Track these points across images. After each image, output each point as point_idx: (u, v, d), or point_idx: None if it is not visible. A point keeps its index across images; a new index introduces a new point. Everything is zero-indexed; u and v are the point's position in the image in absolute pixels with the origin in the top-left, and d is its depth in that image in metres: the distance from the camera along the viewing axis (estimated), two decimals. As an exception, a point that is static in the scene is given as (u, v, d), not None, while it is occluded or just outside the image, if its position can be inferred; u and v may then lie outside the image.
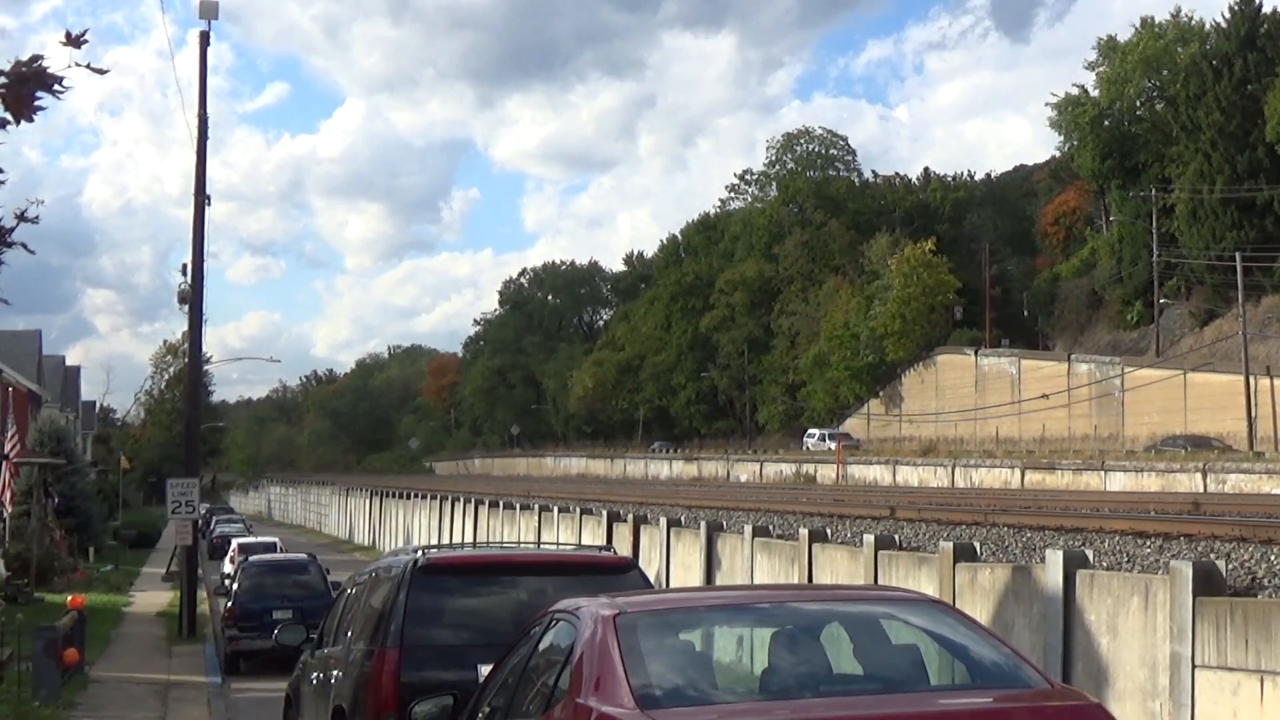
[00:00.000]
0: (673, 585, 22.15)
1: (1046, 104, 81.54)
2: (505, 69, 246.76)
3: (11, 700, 15.95)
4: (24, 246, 8.82)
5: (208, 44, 28.68)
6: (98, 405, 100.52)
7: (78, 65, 7.51)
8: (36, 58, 7.49)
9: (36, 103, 7.55)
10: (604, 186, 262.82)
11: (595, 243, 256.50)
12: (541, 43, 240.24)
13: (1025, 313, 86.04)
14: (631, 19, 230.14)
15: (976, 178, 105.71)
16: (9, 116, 7.61)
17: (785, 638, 5.77)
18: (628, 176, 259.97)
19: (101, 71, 7.75)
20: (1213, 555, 12.22)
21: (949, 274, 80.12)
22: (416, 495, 56.66)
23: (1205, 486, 40.42)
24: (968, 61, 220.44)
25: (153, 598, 35.36)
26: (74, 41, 7.53)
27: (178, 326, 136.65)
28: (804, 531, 18.41)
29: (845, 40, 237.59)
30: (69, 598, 22.93)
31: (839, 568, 17.15)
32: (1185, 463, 44.26)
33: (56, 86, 7.55)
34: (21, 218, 8.58)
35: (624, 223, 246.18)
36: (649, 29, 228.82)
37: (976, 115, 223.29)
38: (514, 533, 35.65)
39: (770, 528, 21.09)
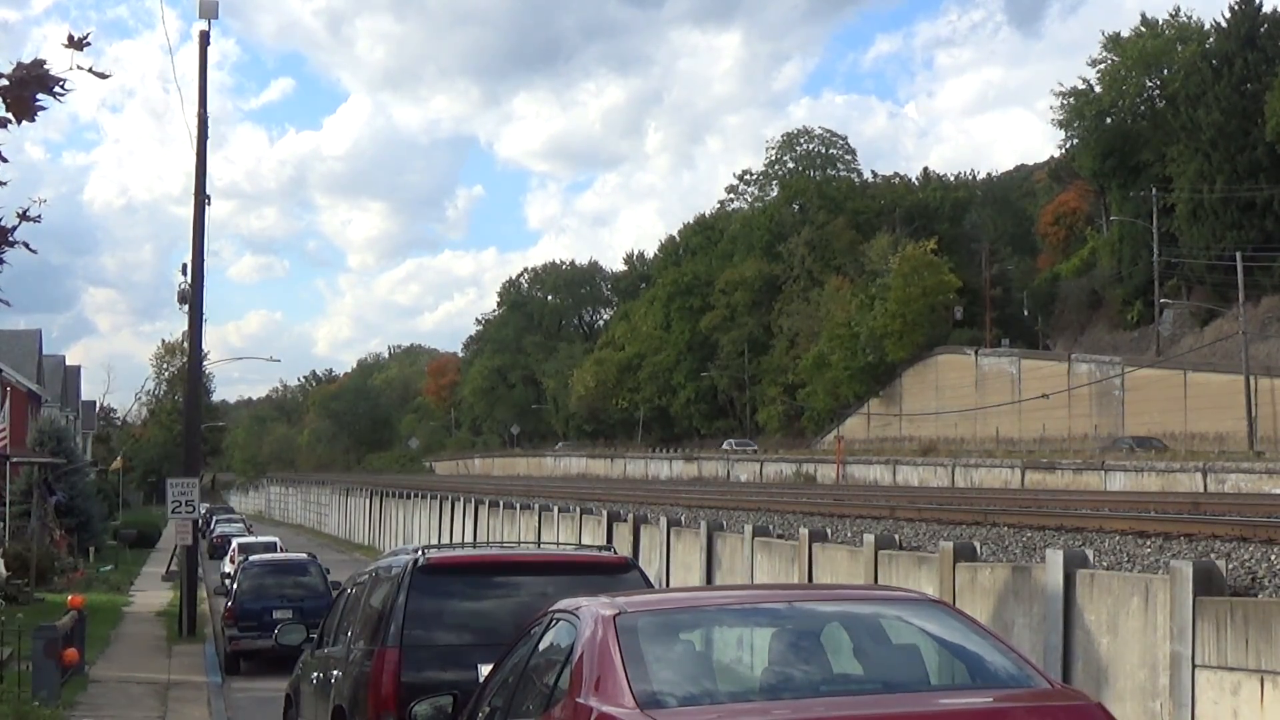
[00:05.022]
0: (673, 585, 22.15)
1: (1053, 91, 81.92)
2: (510, 65, 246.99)
3: (11, 700, 15.93)
4: (26, 245, 8.78)
5: (208, 43, 28.71)
6: (98, 405, 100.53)
7: (80, 68, 7.50)
8: (39, 61, 7.50)
9: (37, 103, 7.55)
10: (609, 184, 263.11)
11: (600, 241, 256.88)
12: (546, 39, 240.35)
13: (1025, 313, 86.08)
14: (638, 14, 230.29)
15: (981, 175, 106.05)
16: (10, 116, 7.60)
17: (785, 637, 5.77)
18: (634, 174, 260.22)
19: (103, 76, 7.75)
20: (1213, 555, 12.22)
21: (949, 274, 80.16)
22: (416, 495, 56.66)
23: (1205, 486, 40.45)
24: (978, 57, 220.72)
25: (153, 597, 35.35)
26: (76, 44, 7.53)
27: (179, 326, 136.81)
28: (804, 531, 18.41)
29: (854, 36, 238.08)
30: (69, 597, 22.91)
31: (839, 568, 17.14)
32: (1185, 462, 44.28)
33: (58, 89, 7.55)
34: (24, 216, 8.54)
35: (630, 221, 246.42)
36: (656, 25, 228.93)
37: (987, 111, 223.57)
38: (514, 533, 35.65)
39: (770, 528, 21.09)
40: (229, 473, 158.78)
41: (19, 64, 7.44)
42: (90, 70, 7.59)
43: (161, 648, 25.03)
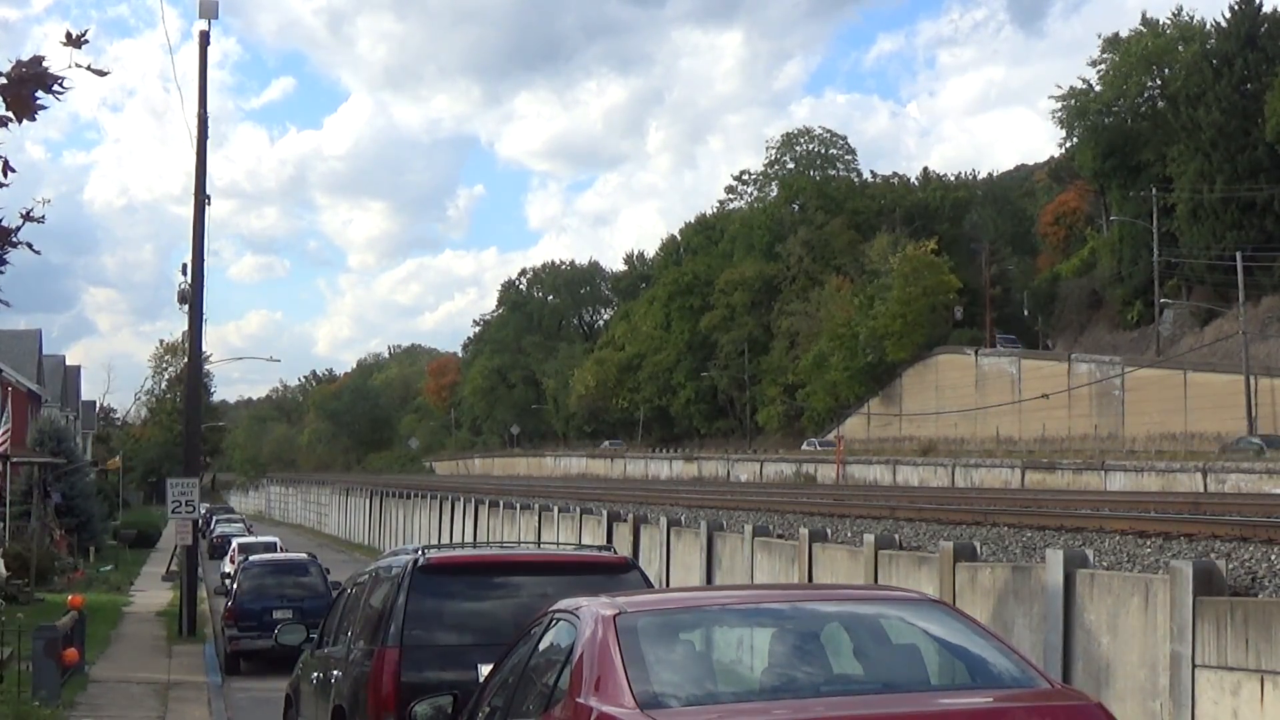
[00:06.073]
0: (673, 585, 22.15)
1: (1051, 96, 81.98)
2: (511, 64, 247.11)
3: (11, 700, 15.94)
4: (29, 246, 8.75)
5: (208, 43, 28.68)
6: (98, 405, 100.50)
7: (78, 66, 7.48)
8: (38, 59, 7.48)
9: (38, 102, 7.53)
10: (610, 184, 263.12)
11: (600, 241, 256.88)
12: (548, 38, 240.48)
13: (1025, 313, 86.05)
14: (639, 13, 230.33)
15: (982, 175, 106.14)
16: (11, 115, 7.58)
17: (785, 637, 5.77)
18: (635, 174, 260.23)
19: (102, 73, 7.73)
20: (1213, 555, 12.23)
21: (949, 274, 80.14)
22: (416, 495, 56.66)
23: (1205, 486, 40.43)
24: (980, 56, 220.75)
25: (153, 597, 35.34)
26: (75, 42, 7.51)
27: (179, 325, 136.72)
28: (804, 531, 18.41)
29: (856, 34, 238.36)
30: (69, 597, 22.91)
31: (839, 568, 17.15)
32: (1185, 462, 44.24)
33: (56, 87, 7.53)
34: (27, 217, 8.50)
35: (630, 221, 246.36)
36: (657, 24, 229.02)
37: (989, 110, 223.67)
38: (514, 533, 35.66)
39: (770, 528, 21.10)
40: (229, 473, 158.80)
41: (18, 62, 7.42)
42: (89, 68, 7.57)
43: (161, 648, 25.02)
